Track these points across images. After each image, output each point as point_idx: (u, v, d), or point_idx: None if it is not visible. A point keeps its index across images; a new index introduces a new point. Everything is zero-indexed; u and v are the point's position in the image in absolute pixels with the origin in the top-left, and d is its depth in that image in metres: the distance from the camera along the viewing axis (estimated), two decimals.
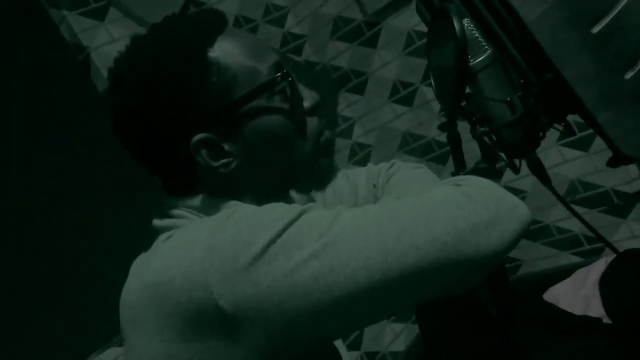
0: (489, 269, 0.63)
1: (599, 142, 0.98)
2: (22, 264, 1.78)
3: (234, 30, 0.70)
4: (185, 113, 0.65)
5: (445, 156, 2.39)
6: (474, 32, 0.75)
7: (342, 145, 2.51)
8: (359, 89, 2.50)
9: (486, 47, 0.76)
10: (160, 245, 0.64)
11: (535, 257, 2.24)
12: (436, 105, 2.29)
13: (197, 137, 0.65)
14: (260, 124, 0.67)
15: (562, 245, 2.15)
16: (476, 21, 0.75)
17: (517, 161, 0.80)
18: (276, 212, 0.60)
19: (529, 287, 2.05)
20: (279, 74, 0.67)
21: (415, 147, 2.46)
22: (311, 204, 0.63)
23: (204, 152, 0.66)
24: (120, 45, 2.46)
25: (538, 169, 0.80)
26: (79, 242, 1.84)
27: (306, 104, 0.70)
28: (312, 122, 0.71)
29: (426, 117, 2.35)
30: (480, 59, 0.76)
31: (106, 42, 2.03)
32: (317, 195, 0.86)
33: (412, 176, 0.85)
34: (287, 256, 0.57)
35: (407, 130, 2.45)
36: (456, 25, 0.72)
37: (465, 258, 0.59)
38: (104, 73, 2.00)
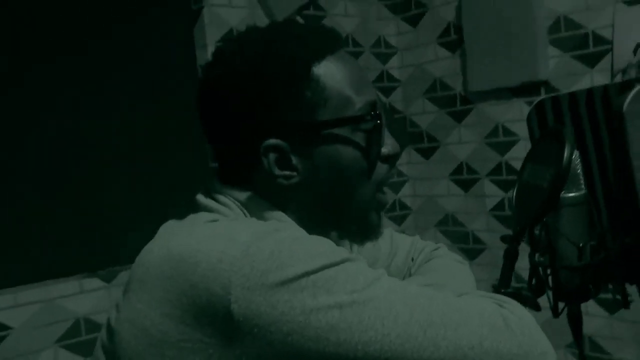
0: None
1: None
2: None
3: (345, 55, 0.69)
4: (271, 114, 0.65)
5: (475, 253, 2.36)
6: (577, 167, 0.74)
7: None
8: (426, 154, 2.49)
9: (583, 186, 0.74)
10: (202, 225, 0.63)
11: None
12: (489, 203, 2.27)
13: (272, 141, 0.65)
14: (334, 151, 0.66)
15: None
16: (585, 159, 0.74)
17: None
18: (322, 248, 0.59)
19: None
20: (371, 112, 0.66)
21: (451, 231, 2.43)
22: (358, 255, 0.62)
23: (272, 156, 0.65)
24: (233, 13, 2.44)
25: (575, 323, 0.78)
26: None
27: (385, 150, 0.69)
28: (381, 169, 0.69)
29: (476, 209, 2.32)
30: (572, 194, 0.74)
31: (223, 4, 2.05)
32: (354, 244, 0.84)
33: (451, 269, 0.83)
34: (313, 294, 0.56)
35: (452, 212, 2.43)
36: (566, 153, 0.70)
37: None
38: (208, 31, 2.03)
